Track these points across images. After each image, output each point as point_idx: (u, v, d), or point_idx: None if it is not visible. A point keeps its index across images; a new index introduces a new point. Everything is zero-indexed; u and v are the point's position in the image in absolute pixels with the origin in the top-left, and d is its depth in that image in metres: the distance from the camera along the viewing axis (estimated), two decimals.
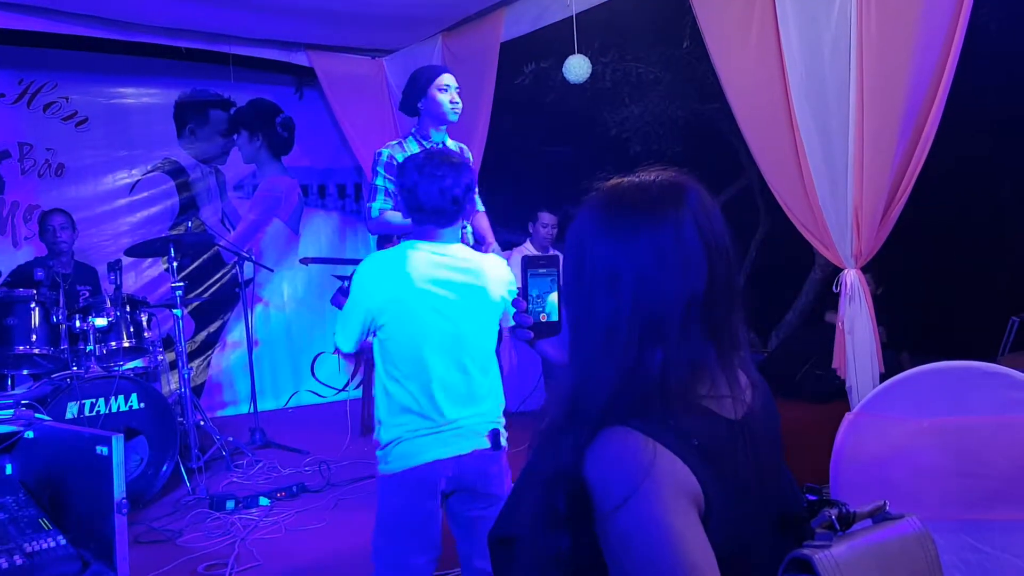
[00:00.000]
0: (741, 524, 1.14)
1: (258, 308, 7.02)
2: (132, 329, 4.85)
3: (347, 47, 6.55)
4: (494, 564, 1.40)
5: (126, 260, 5.24)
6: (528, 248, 6.36)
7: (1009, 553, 2.74)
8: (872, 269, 4.83)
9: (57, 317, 4.56)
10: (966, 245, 6.77)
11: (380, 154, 4.07)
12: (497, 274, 2.74)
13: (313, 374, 7.39)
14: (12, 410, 2.87)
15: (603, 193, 1.24)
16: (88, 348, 4.54)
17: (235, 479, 4.86)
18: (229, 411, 6.90)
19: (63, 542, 2.25)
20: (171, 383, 6.28)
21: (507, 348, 6.33)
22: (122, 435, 2.33)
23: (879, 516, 1.23)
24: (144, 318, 4.97)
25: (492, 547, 1.39)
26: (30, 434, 2.67)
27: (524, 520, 1.20)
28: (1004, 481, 2.75)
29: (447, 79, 4.06)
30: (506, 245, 4.27)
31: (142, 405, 4.46)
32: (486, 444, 2.67)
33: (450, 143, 4.14)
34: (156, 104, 6.85)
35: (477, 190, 4.21)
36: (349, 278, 6.34)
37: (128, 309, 4.85)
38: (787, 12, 3.86)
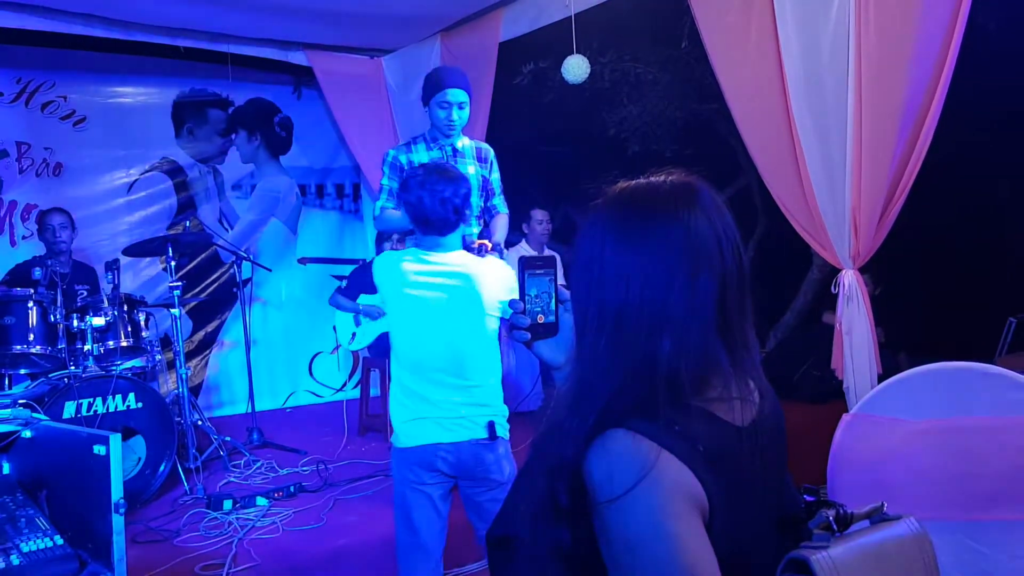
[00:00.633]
0: (744, 529, 1.14)
1: (256, 308, 7.01)
2: (130, 329, 4.85)
3: (346, 47, 6.55)
4: (491, 564, 1.40)
5: (124, 259, 5.23)
6: (524, 247, 6.35)
7: (1006, 553, 2.75)
8: (870, 270, 4.84)
9: (55, 316, 4.56)
10: (964, 246, 6.78)
11: (387, 155, 4.10)
12: (495, 276, 2.94)
13: (311, 374, 7.39)
14: (10, 409, 2.86)
15: (613, 196, 1.24)
16: (86, 347, 4.53)
17: (232, 479, 4.86)
18: (227, 411, 6.89)
19: (60, 542, 2.24)
20: (169, 383, 6.28)
21: (506, 349, 6.33)
22: (120, 435, 2.33)
23: (877, 517, 1.23)
24: (142, 317, 4.97)
25: (489, 547, 1.39)
26: (27, 433, 2.66)
27: (522, 518, 1.20)
28: (1001, 481, 2.75)
29: (450, 95, 3.95)
30: (505, 245, 4.26)
31: (140, 405, 4.46)
32: (483, 434, 2.88)
33: (467, 143, 4.10)
34: (154, 103, 6.85)
35: (501, 192, 4.22)
36: (347, 278, 6.36)
37: (126, 308, 4.85)
38: (785, 13, 3.86)
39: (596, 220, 1.23)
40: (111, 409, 4.34)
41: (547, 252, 6.26)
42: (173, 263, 4.95)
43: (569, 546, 1.13)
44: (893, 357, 5.89)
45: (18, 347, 4.54)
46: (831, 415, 3.39)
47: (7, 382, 4.90)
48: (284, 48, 6.38)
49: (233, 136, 7.21)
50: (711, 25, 4.25)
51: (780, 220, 4.31)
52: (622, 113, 7.50)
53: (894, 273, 6.19)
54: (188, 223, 6.68)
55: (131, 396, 4.43)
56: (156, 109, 6.86)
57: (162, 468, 4.50)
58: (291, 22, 5.73)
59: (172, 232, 6.63)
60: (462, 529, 3.93)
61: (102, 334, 4.68)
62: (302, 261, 7.43)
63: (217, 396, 6.98)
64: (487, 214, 4.18)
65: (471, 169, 4.05)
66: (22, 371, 4.85)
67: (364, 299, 5.85)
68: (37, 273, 4.78)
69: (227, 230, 7.09)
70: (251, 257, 6.19)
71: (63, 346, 4.59)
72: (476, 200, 4.04)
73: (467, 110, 4.00)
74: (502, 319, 2.95)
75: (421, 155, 4.03)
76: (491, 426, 2.91)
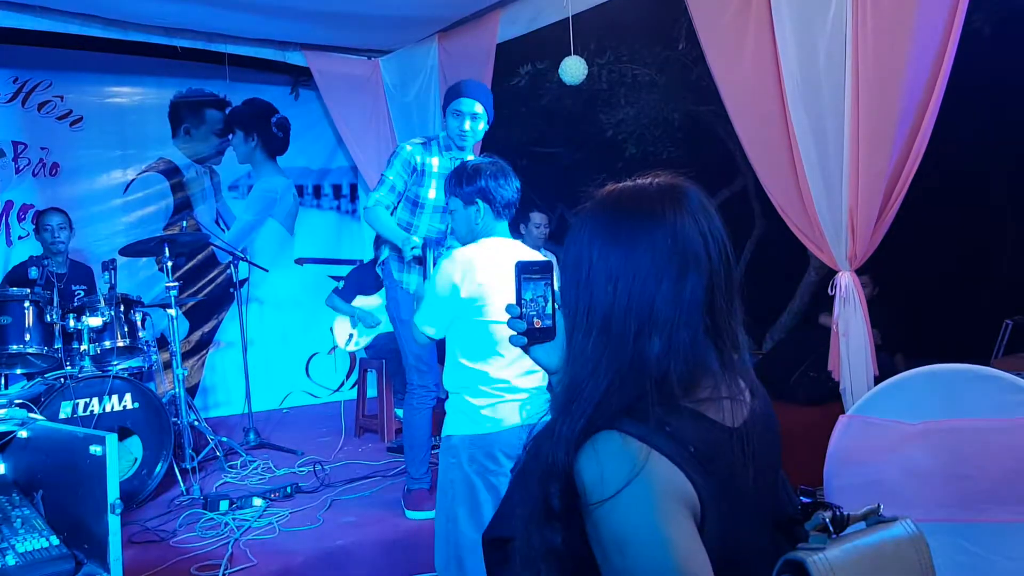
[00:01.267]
0: (736, 529, 1.14)
1: (253, 308, 7.00)
2: (126, 329, 4.84)
3: (343, 47, 6.54)
4: (488, 564, 1.40)
5: (121, 260, 5.23)
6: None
7: (1002, 555, 2.75)
8: (867, 271, 4.84)
9: (51, 316, 4.55)
10: (960, 248, 6.80)
11: (401, 149, 4.01)
12: None
13: (308, 374, 7.39)
14: (6, 409, 2.86)
15: (601, 198, 1.24)
16: (82, 347, 4.53)
17: (229, 479, 4.86)
18: (223, 411, 6.88)
19: (56, 542, 2.24)
20: (165, 383, 6.27)
21: None
22: (116, 435, 2.33)
23: (873, 519, 1.24)
24: (138, 318, 4.96)
25: (485, 548, 1.39)
26: (24, 433, 2.66)
27: (517, 520, 1.20)
28: (998, 483, 2.76)
29: (464, 104, 3.91)
30: None
31: (136, 405, 4.46)
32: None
33: (474, 156, 4.06)
34: (151, 103, 6.84)
35: None
36: (344, 279, 6.35)
37: (122, 309, 4.84)
38: (783, 14, 3.86)
39: (584, 222, 1.23)
40: (107, 409, 4.33)
41: (546, 254, 6.26)
42: (170, 263, 4.95)
43: (562, 548, 1.14)
44: (890, 359, 5.90)
45: (14, 347, 4.53)
46: (828, 417, 3.39)
47: (3, 382, 4.89)
48: (282, 48, 6.37)
49: (230, 136, 7.20)
50: (708, 26, 4.25)
51: (777, 222, 4.31)
52: (619, 114, 7.50)
53: (891, 275, 6.20)
54: (185, 223, 6.67)
55: (127, 396, 4.43)
56: (153, 109, 6.85)
57: (158, 468, 4.50)
58: (289, 22, 5.73)
59: (169, 232, 6.63)
60: None
61: (98, 334, 4.68)
62: (299, 261, 7.43)
63: (214, 396, 6.97)
64: None
65: None
66: (18, 371, 4.85)
67: (360, 300, 5.85)
68: (34, 273, 4.78)
69: (224, 230, 7.08)
70: (248, 257, 6.18)
71: (59, 346, 4.59)
72: None
73: (482, 123, 3.94)
74: None
75: (431, 157, 3.99)
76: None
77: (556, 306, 1.32)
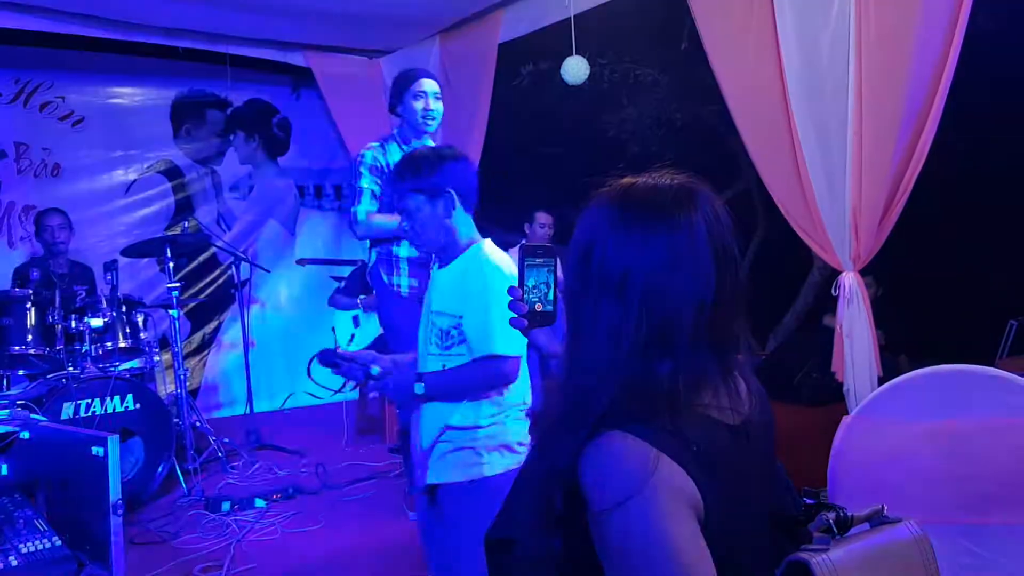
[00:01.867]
0: (738, 530, 1.13)
1: (254, 309, 7.00)
2: (128, 330, 4.84)
3: (344, 48, 6.54)
4: (490, 565, 1.39)
5: (122, 260, 5.22)
6: None
7: (1006, 557, 2.74)
8: (871, 272, 4.83)
9: (53, 317, 4.55)
10: (965, 248, 6.77)
11: (364, 156, 3.94)
12: None
13: (309, 375, 7.38)
14: (7, 410, 2.86)
15: (616, 191, 1.22)
16: (84, 348, 4.53)
17: (231, 480, 4.86)
18: (225, 412, 6.88)
19: (58, 543, 2.24)
20: (167, 384, 6.26)
21: None
22: (118, 436, 2.32)
23: (877, 520, 1.23)
24: (140, 319, 4.96)
25: (488, 550, 1.38)
26: (25, 435, 2.66)
27: (519, 523, 1.20)
28: (1002, 485, 2.75)
29: (425, 85, 3.89)
30: (503, 246, 4.23)
31: (138, 406, 4.45)
32: None
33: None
34: (152, 104, 6.84)
35: None
36: (346, 279, 6.34)
37: (124, 310, 4.84)
38: (785, 14, 3.86)
39: (599, 212, 1.20)
40: (109, 410, 4.33)
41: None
42: (171, 264, 4.95)
43: (564, 551, 1.13)
44: (894, 359, 5.88)
45: (16, 348, 4.53)
46: (831, 418, 3.38)
47: (5, 383, 4.89)
48: (283, 49, 6.37)
49: (231, 137, 7.20)
50: (711, 26, 4.25)
51: (780, 222, 4.30)
52: (621, 115, 7.49)
53: (895, 275, 6.19)
54: (186, 224, 6.67)
55: (129, 397, 4.42)
56: (154, 110, 6.85)
57: (160, 470, 4.50)
58: (290, 23, 5.73)
59: (170, 233, 6.62)
60: None
61: (100, 335, 4.68)
62: (300, 262, 7.42)
63: (215, 397, 6.97)
64: None
65: None
66: (20, 372, 4.84)
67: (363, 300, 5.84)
68: (35, 274, 4.78)
69: (225, 231, 7.08)
70: (249, 258, 6.18)
71: (61, 347, 4.59)
72: None
73: (442, 105, 3.91)
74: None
75: (394, 156, 3.89)
76: None
77: (558, 292, 1.31)
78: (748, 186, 7.70)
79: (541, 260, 1.31)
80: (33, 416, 2.82)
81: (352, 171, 3.99)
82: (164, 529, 4.03)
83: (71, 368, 4.51)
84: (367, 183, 3.90)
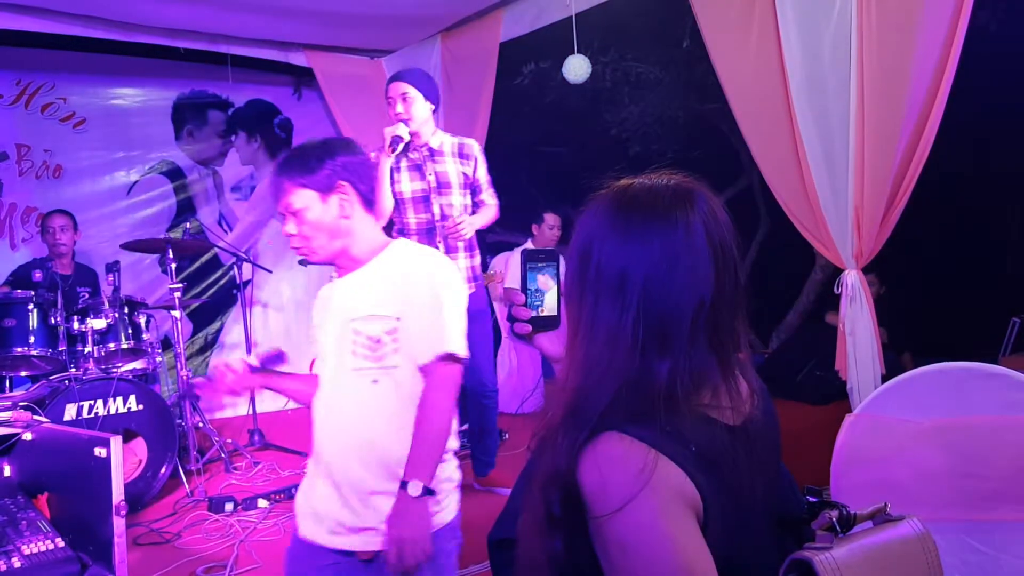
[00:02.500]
0: (740, 529, 1.13)
1: (256, 310, 7.00)
2: (130, 331, 4.84)
3: (346, 47, 6.54)
4: (493, 566, 1.39)
5: (124, 261, 5.23)
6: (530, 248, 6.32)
7: (1010, 554, 2.74)
8: (874, 270, 4.83)
9: (55, 318, 4.55)
10: (967, 246, 6.78)
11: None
12: None
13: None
14: (10, 412, 2.86)
15: (613, 193, 1.22)
16: (86, 350, 4.53)
17: (234, 481, 4.85)
18: (228, 413, 6.87)
19: (61, 544, 2.24)
20: (170, 385, 6.27)
21: (507, 349, 6.32)
22: (120, 437, 2.32)
23: (880, 518, 1.23)
24: (142, 320, 4.96)
25: (491, 550, 1.38)
26: (28, 436, 2.66)
27: (521, 524, 1.19)
28: (1005, 482, 2.75)
29: (392, 88, 3.90)
30: (506, 246, 4.23)
31: (140, 407, 4.45)
32: None
33: (446, 140, 4.01)
34: (154, 105, 6.84)
35: (490, 187, 4.14)
36: None
37: (126, 311, 4.84)
38: (787, 12, 3.86)
39: (596, 215, 1.21)
40: (112, 411, 4.33)
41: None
42: (173, 265, 4.94)
43: (564, 554, 1.13)
44: (896, 357, 5.89)
45: (19, 349, 4.54)
46: (834, 416, 3.38)
47: (8, 384, 4.89)
48: (284, 49, 6.37)
49: (233, 138, 7.20)
50: (712, 24, 4.25)
51: (782, 220, 4.30)
52: (623, 113, 7.50)
53: (897, 273, 6.19)
54: (188, 225, 6.66)
55: (132, 398, 4.42)
56: (156, 111, 6.85)
57: (163, 470, 4.50)
58: (291, 23, 5.73)
59: (172, 234, 6.63)
60: (465, 531, 3.93)
61: (103, 336, 4.68)
62: (303, 263, 7.41)
63: (218, 398, 6.96)
64: (476, 209, 4.12)
65: (450, 168, 3.97)
66: (23, 373, 4.85)
67: None
68: (37, 276, 4.78)
69: (227, 232, 7.08)
70: (251, 259, 6.18)
71: (64, 348, 4.59)
72: (458, 199, 3.99)
73: (419, 104, 3.87)
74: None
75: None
76: None
77: (561, 295, 1.31)
78: (750, 184, 7.71)
79: (543, 264, 1.30)
80: (36, 417, 2.82)
81: None
82: (167, 530, 4.02)
83: (74, 369, 4.51)
84: None
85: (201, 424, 5.21)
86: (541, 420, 1.22)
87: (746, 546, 1.15)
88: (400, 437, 2.10)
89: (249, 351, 5.86)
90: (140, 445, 4.42)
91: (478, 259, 4.12)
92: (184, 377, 4.97)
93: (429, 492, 2.03)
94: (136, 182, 6.73)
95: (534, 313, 1.30)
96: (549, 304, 1.31)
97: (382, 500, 2.08)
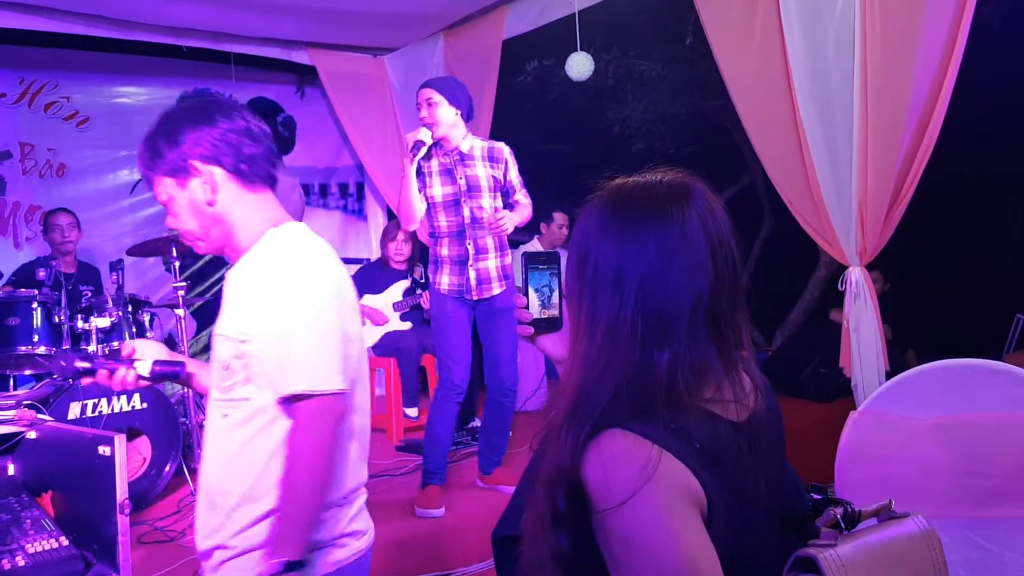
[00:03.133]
0: (745, 526, 1.13)
1: None
2: (134, 329, 4.84)
3: (348, 45, 6.54)
4: (497, 564, 1.39)
5: (128, 260, 5.23)
6: (536, 247, 6.31)
7: (1015, 551, 2.73)
8: (878, 267, 4.82)
9: (59, 317, 4.55)
10: (971, 242, 6.76)
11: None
12: None
13: None
14: (14, 411, 2.87)
15: (608, 193, 1.23)
16: (90, 348, 4.53)
17: None
18: None
19: (65, 543, 2.24)
20: (174, 383, 6.27)
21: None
22: (124, 435, 2.33)
23: (884, 515, 1.23)
24: (146, 318, 4.96)
25: (495, 547, 1.38)
26: (32, 435, 2.67)
27: (525, 521, 1.19)
28: (1010, 479, 2.74)
29: (420, 94, 3.98)
30: (512, 244, 4.22)
31: (144, 405, 4.46)
32: None
33: (476, 144, 4.04)
34: (157, 104, 6.83)
35: (523, 187, 4.16)
36: (352, 277, 6.33)
37: (130, 309, 4.84)
38: (790, 8, 3.85)
39: (591, 218, 1.22)
40: (116, 410, 4.33)
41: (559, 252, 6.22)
42: (177, 263, 4.94)
43: (569, 551, 1.13)
44: (901, 354, 5.88)
45: (23, 348, 4.54)
46: (839, 413, 3.38)
47: (12, 383, 4.90)
48: (287, 47, 6.38)
49: None
50: (716, 21, 4.24)
51: (786, 217, 4.30)
52: (626, 110, 7.50)
53: (902, 270, 6.18)
54: None
55: (136, 396, 4.43)
56: (159, 109, 6.72)
57: (167, 468, 4.50)
58: (294, 21, 5.73)
59: (175, 232, 6.62)
60: (469, 528, 3.94)
61: (107, 335, 4.68)
62: None
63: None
64: (511, 210, 4.13)
65: (480, 171, 4.01)
66: (27, 372, 4.85)
67: (368, 299, 5.85)
68: (41, 274, 4.78)
69: None
70: None
71: (68, 347, 4.59)
72: (489, 201, 4.03)
73: (442, 108, 3.91)
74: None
75: (433, 159, 4.02)
76: None
77: (562, 296, 1.31)
78: (753, 181, 7.70)
79: (544, 266, 1.31)
80: (40, 416, 2.83)
81: None
82: (171, 528, 4.03)
83: None
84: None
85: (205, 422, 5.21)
86: (544, 418, 1.22)
87: (750, 543, 1.15)
88: (244, 489, 1.71)
89: None
90: (144, 443, 4.42)
91: (509, 258, 4.18)
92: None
93: (294, 566, 1.62)
94: (139, 181, 6.73)
95: (536, 315, 1.30)
96: (551, 306, 1.31)
97: (219, 553, 1.75)
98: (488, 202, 4.01)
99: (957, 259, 6.77)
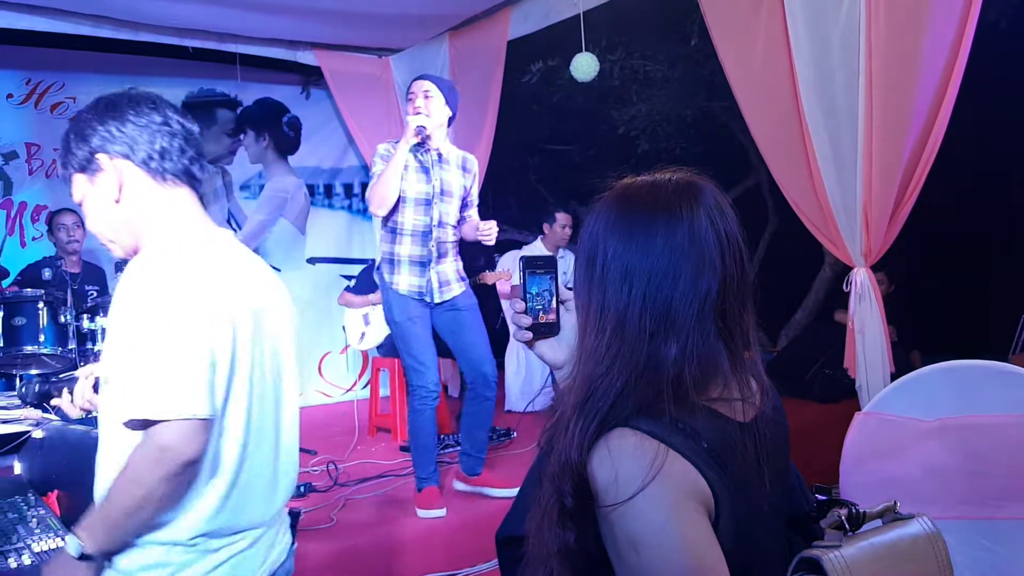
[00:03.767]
0: (750, 526, 1.13)
1: None
2: None
3: (353, 46, 6.55)
4: (501, 564, 1.39)
5: None
6: (539, 247, 6.30)
7: (1021, 552, 2.73)
8: (884, 268, 4.81)
9: (65, 317, 4.57)
10: (977, 243, 6.75)
11: (379, 148, 4.08)
12: None
13: (320, 374, 7.40)
14: (20, 410, 2.87)
15: (616, 191, 1.24)
16: (96, 348, 4.55)
17: None
18: None
19: None
20: None
21: (515, 348, 6.32)
22: None
23: (889, 516, 1.22)
24: None
25: (499, 547, 1.38)
26: (39, 434, 2.67)
27: (530, 518, 1.20)
28: (1015, 480, 2.74)
29: (416, 84, 4.01)
30: (515, 245, 4.23)
31: None
32: None
33: (452, 152, 4.07)
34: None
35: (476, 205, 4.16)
36: (356, 277, 6.35)
37: None
38: (795, 9, 3.85)
39: (598, 217, 1.22)
40: None
41: (561, 253, 6.23)
42: None
43: (575, 547, 1.13)
44: (906, 355, 5.87)
45: (29, 348, 4.55)
46: (843, 414, 3.38)
47: (18, 383, 4.91)
48: (292, 48, 6.38)
49: (241, 136, 7.21)
50: (721, 22, 4.24)
51: (791, 217, 4.30)
52: (631, 111, 7.49)
53: (907, 271, 6.17)
54: None
55: None
56: None
57: None
58: (299, 22, 5.74)
59: None
60: (472, 528, 3.94)
61: None
62: (311, 261, 7.43)
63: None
64: (463, 222, 4.15)
65: (454, 178, 4.03)
66: (33, 371, 4.86)
67: (374, 298, 5.86)
68: (47, 274, 4.79)
69: (235, 230, 7.09)
70: (260, 257, 6.20)
71: (73, 346, 4.60)
72: (455, 208, 4.04)
73: (438, 104, 3.94)
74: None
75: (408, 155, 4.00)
76: None
77: (560, 301, 1.31)
78: (759, 182, 7.70)
79: (542, 270, 1.31)
80: (45, 416, 2.83)
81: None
82: None
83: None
84: (378, 168, 3.98)
85: None
86: (550, 415, 1.22)
87: (756, 543, 1.15)
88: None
89: None
90: None
91: (460, 261, 4.17)
92: None
93: (86, 557, 1.57)
94: None
95: (534, 320, 1.31)
96: (548, 310, 1.31)
97: None
98: (455, 209, 4.03)
99: (962, 260, 6.76)
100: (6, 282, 5.26)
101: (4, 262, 5.52)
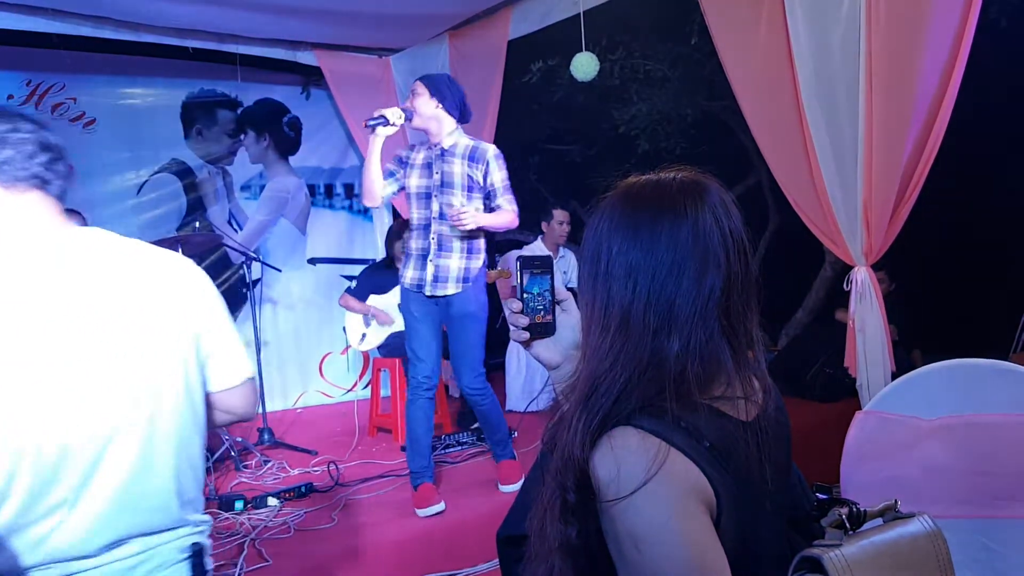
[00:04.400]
0: (752, 525, 1.13)
1: (266, 308, 7.01)
2: None
3: (354, 46, 6.55)
4: (502, 563, 1.39)
5: None
6: (539, 247, 6.29)
7: (1021, 551, 2.73)
8: (884, 267, 4.81)
9: None
10: (978, 242, 6.74)
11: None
12: None
13: (321, 374, 7.40)
14: None
15: (622, 190, 1.24)
16: None
17: (243, 479, 4.86)
18: None
19: None
20: None
21: (515, 348, 6.32)
22: None
23: (890, 515, 1.22)
24: None
25: (500, 547, 1.38)
26: None
27: (532, 515, 1.20)
28: (1016, 479, 2.74)
29: (413, 86, 4.12)
30: (516, 244, 4.23)
31: None
32: None
33: (460, 142, 4.06)
34: (163, 104, 6.85)
35: (506, 192, 4.13)
36: (356, 278, 6.36)
37: None
38: (796, 8, 3.85)
39: (604, 215, 1.22)
40: None
41: (561, 252, 6.23)
42: None
43: (577, 542, 1.13)
44: (907, 354, 5.87)
45: None
46: (844, 413, 3.38)
47: None
48: (292, 48, 6.38)
49: (242, 137, 7.21)
50: (721, 21, 4.24)
51: (792, 217, 4.30)
52: (632, 111, 7.48)
53: (907, 270, 6.16)
54: (197, 224, 6.68)
55: None
56: (165, 110, 6.86)
57: None
58: (299, 22, 5.74)
59: (181, 233, 6.64)
60: (474, 528, 3.94)
61: None
62: (312, 261, 7.43)
63: None
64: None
65: (456, 168, 4.02)
66: None
67: (374, 299, 5.86)
68: None
69: (236, 231, 7.10)
70: (260, 258, 6.20)
71: None
72: (459, 199, 4.02)
73: (422, 100, 4.01)
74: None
75: (419, 153, 4.13)
76: None
77: (556, 301, 1.31)
78: (759, 181, 7.69)
79: (539, 270, 1.31)
80: None
81: None
82: None
83: None
84: (390, 164, 4.15)
85: None
86: (552, 413, 1.22)
87: (758, 542, 1.15)
88: None
89: (258, 350, 5.86)
90: None
91: (476, 263, 4.12)
92: None
93: None
94: (146, 181, 6.74)
95: (531, 320, 1.30)
96: (545, 311, 1.31)
97: None
98: (459, 200, 4.01)
99: (963, 259, 6.76)
100: None
101: None
